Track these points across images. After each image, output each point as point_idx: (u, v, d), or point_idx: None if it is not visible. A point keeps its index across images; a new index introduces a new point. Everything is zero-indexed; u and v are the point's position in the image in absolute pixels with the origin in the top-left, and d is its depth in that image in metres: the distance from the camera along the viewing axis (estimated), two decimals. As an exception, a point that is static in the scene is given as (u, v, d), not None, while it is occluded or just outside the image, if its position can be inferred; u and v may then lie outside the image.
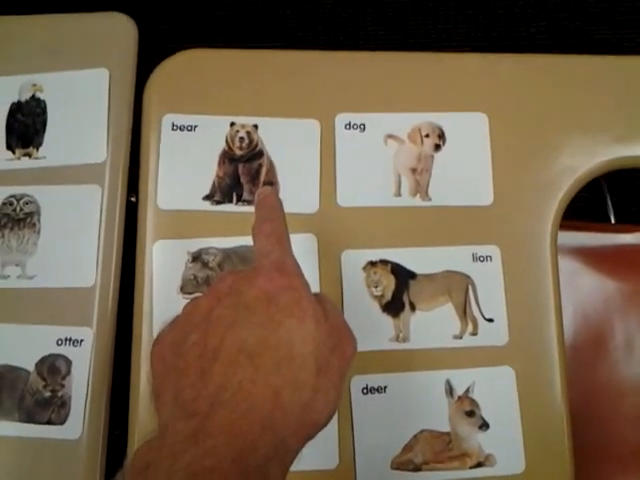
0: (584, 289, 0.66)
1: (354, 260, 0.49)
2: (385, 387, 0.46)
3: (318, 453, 0.45)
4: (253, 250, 0.34)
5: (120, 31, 0.52)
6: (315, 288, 0.48)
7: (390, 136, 0.51)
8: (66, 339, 0.46)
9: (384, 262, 0.49)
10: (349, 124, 0.51)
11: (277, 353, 0.29)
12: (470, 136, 0.52)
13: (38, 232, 0.48)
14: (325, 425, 0.30)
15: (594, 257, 0.67)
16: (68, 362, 0.46)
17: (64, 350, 0.46)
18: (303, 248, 0.49)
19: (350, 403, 0.46)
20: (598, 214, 0.60)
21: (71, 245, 0.48)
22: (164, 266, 0.48)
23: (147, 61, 0.52)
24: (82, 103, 0.50)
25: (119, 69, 0.51)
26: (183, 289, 0.48)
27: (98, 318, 0.47)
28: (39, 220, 0.48)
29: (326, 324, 0.31)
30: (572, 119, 0.52)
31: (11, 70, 0.51)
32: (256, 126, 0.51)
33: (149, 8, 0.54)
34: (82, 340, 0.46)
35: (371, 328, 0.48)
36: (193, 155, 0.50)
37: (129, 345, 0.47)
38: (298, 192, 0.50)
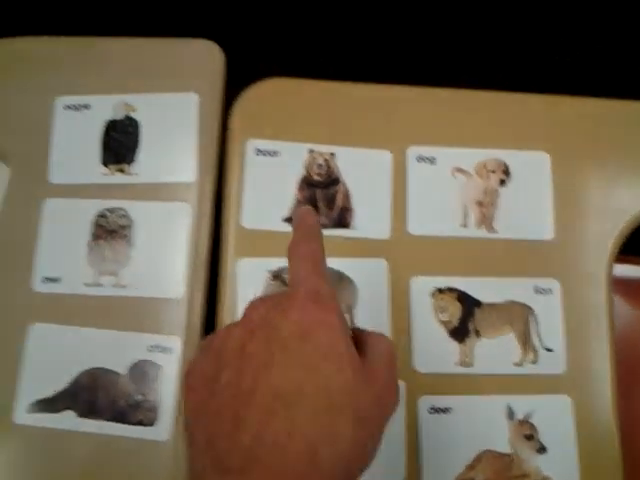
0: (625, 320, 0.69)
1: (422, 286, 0.52)
2: (450, 408, 0.49)
3: (385, 469, 0.47)
4: (288, 274, 0.33)
5: (209, 57, 0.55)
6: (385, 312, 0.51)
7: (458, 170, 0.54)
8: (156, 346, 0.49)
9: (451, 290, 0.52)
10: (420, 156, 0.55)
11: (314, 402, 0.27)
12: (533, 173, 0.55)
13: (131, 244, 0.51)
14: (360, 477, 0.28)
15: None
16: (158, 368, 0.48)
17: (154, 357, 0.49)
18: (374, 272, 0.52)
19: (417, 422, 0.49)
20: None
21: (161, 258, 0.51)
22: (246, 282, 0.51)
23: (232, 87, 0.54)
24: (173, 124, 0.53)
25: (207, 94, 0.54)
26: (262, 305, 0.51)
27: (186, 328, 0.49)
28: (132, 233, 0.51)
29: (365, 371, 0.29)
30: (632, 159, 0.55)
31: (106, 89, 0.54)
32: (333, 154, 0.54)
33: (236, 35, 0.57)
34: (171, 348, 0.49)
35: (438, 352, 0.50)
36: (275, 179, 0.53)
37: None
38: (371, 218, 0.53)
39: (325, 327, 0.29)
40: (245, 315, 0.31)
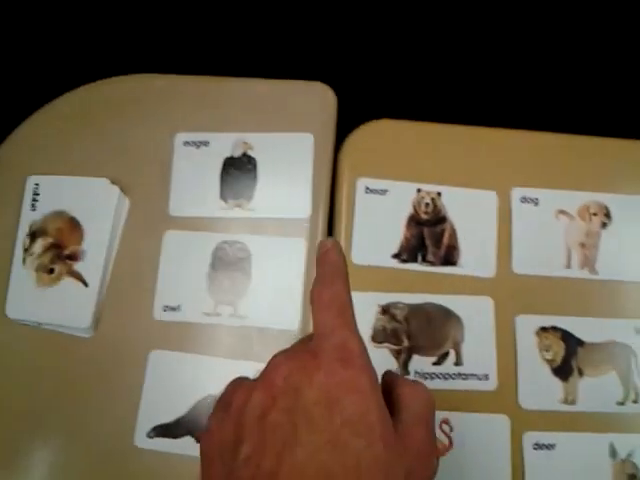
0: None
1: (527, 324, 0.54)
2: (554, 445, 0.51)
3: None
4: (312, 323, 0.30)
5: (322, 99, 0.57)
6: (490, 348, 0.53)
7: (561, 211, 0.56)
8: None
9: (555, 329, 0.53)
10: (524, 197, 0.56)
11: None
12: (634, 216, 0.56)
13: (249, 276, 0.53)
14: None
15: None
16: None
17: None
18: (480, 309, 0.54)
19: (522, 458, 0.50)
20: None
21: (278, 290, 0.53)
22: (357, 316, 0.53)
23: (341, 126, 0.56)
24: (289, 163, 0.55)
25: (320, 134, 0.56)
26: (374, 338, 0.53)
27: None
28: (250, 265, 0.54)
29: (397, 440, 0.27)
30: None
31: (225, 127, 0.57)
32: (440, 193, 0.56)
33: (345, 78, 0.59)
34: None
35: (542, 389, 0.52)
36: (384, 216, 0.55)
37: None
38: (477, 257, 0.55)
39: (354, 392, 0.26)
40: (266, 375, 0.28)
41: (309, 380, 0.26)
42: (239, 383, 0.30)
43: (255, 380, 0.28)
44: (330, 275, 0.31)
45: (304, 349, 0.29)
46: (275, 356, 0.29)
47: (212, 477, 0.27)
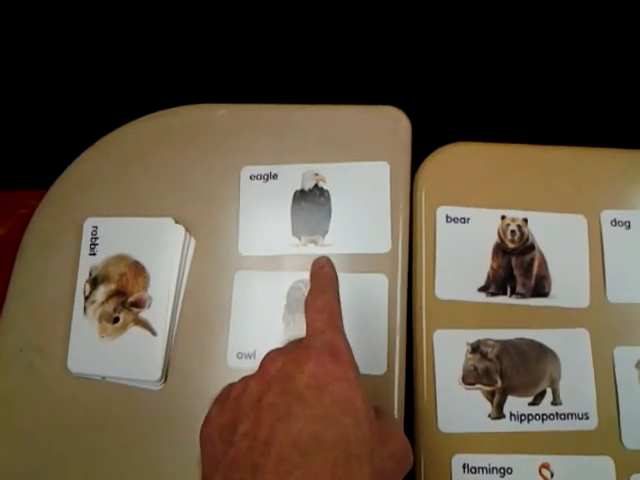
0: None
1: (627, 356, 0.50)
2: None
3: None
4: (305, 325, 0.33)
5: (396, 124, 0.53)
6: (589, 383, 0.50)
7: (655, 233, 0.52)
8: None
9: (658, 360, 0.50)
10: (614, 220, 0.53)
11: (332, 452, 0.27)
12: None
13: (329, 319, 0.50)
14: None
15: None
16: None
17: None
18: (575, 343, 0.51)
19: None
20: None
21: (364, 331, 0.49)
22: (444, 355, 0.50)
23: (415, 152, 0.53)
24: (365, 194, 0.52)
25: (396, 161, 0.53)
26: (465, 380, 0.50)
27: (390, 407, 0.48)
28: (329, 307, 0.50)
29: (379, 428, 0.30)
30: None
31: (294, 159, 0.53)
32: (526, 220, 0.52)
33: (413, 100, 0.56)
34: None
35: (649, 426, 0.48)
36: (468, 247, 0.52)
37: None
38: (569, 286, 0.52)
39: (342, 380, 0.29)
40: (262, 367, 0.31)
41: (301, 369, 0.29)
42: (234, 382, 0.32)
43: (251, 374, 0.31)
44: (323, 286, 0.35)
45: (296, 345, 0.32)
46: (269, 352, 0.32)
47: (212, 456, 0.29)
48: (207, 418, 0.32)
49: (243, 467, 0.27)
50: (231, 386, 0.32)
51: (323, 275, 0.36)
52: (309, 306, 0.34)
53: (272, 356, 0.31)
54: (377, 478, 0.28)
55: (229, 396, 0.31)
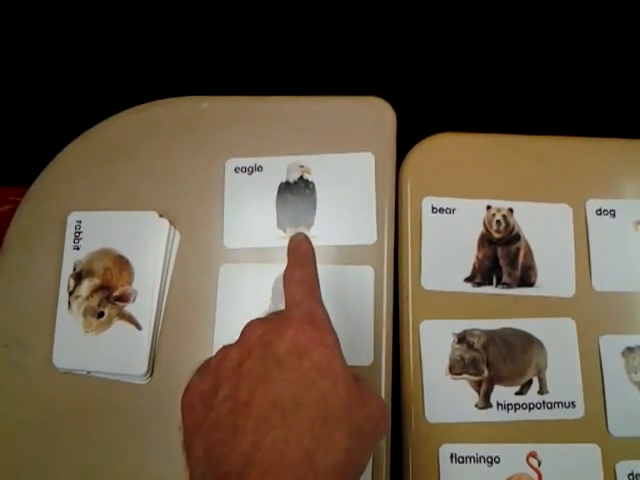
0: None
1: (613, 345, 0.50)
2: (653, 474, 0.47)
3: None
4: (284, 298, 0.34)
5: (380, 115, 0.53)
6: (575, 373, 0.50)
7: (640, 222, 0.52)
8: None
9: (643, 349, 0.50)
10: (599, 210, 0.53)
11: (311, 412, 0.28)
12: None
13: (315, 310, 0.49)
14: None
15: None
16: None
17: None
18: (561, 332, 0.51)
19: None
20: None
21: (350, 322, 0.49)
22: (431, 346, 0.50)
23: (400, 143, 0.53)
24: (350, 186, 0.52)
25: (381, 152, 0.52)
26: (451, 370, 0.49)
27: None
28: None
29: (358, 391, 0.31)
30: None
31: (278, 150, 0.53)
32: (511, 210, 0.52)
33: (398, 91, 0.55)
34: None
35: (633, 414, 0.49)
36: (453, 237, 0.52)
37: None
38: (555, 276, 0.52)
39: (321, 346, 0.30)
40: (242, 336, 0.32)
41: (281, 336, 0.30)
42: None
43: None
44: (301, 261, 0.35)
45: (277, 315, 0.32)
46: (250, 321, 0.32)
47: (193, 421, 0.30)
48: (188, 386, 0.32)
49: (224, 428, 0.28)
50: (211, 357, 0.32)
51: (300, 250, 0.36)
52: (287, 279, 0.34)
53: (253, 325, 0.32)
54: (354, 438, 0.29)
55: (210, 365, 0.31)
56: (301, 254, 0.36)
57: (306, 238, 0.37)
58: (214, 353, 0.32)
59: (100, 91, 0.59)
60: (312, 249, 0.36)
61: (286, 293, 0.34)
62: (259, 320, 0.32)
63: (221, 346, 0.32)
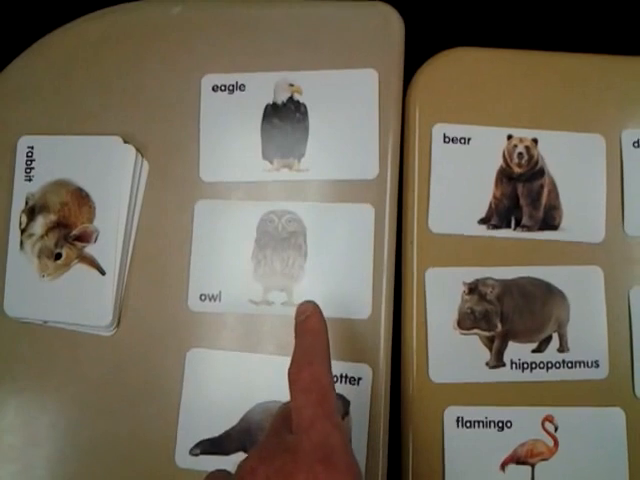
0: None
1: (644, 298, 0.45)
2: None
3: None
4: (291, 409, 0.29)
5: (386, 25, 0.46)
6: (601, 328, 0.45)
7: (683, 157, 0.46)
8: (343, 376, 0.43)
9: (679, 302, 0.44)
10: (637, 142, 0.47)
11: None
12: None
13: (305, 254, 0.44)
14: None
15: None
16: (346, 403, 0.42)
17: (341, 389, 0.42)
18: (587, 283, 0.46)
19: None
20: None
21: (346, 269, 0.44)
22: (437, 297, 0.45)
23: (407, 60, 0.46)
24: (349, 109, 0.45)
25: (385, 70, 0.46)
26: (460, 324, 0.45)
27: (374, 355, 0.43)
28: (305, 241, 0.44)
29: None
30: None
31: (265, 66, 0.46)
32: (536, 140, 0.46)
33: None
34: (360, 378, 0.43)
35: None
36: (467, 172, 0.46)
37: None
38: (582, 218, 0.46)
39: None
40: None
41: None
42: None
43: None
44: (310, 350, 0.30)
45: (281, 447, 0.27)
46: (248, 458, 0.27)
47: None
48: None
49: None
50: None
51: (309, 331, 0.31)
52: (293, 381, 0.29)
53: (253, 466, 0.27)
54: None
55: None
56: (310, 336, 0.31)
57: (315, 310, 0.32)
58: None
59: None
60: (324, 326, 0.31)
61: (293, 404, 0.28)
62: (259, 457, 0.27)
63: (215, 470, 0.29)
